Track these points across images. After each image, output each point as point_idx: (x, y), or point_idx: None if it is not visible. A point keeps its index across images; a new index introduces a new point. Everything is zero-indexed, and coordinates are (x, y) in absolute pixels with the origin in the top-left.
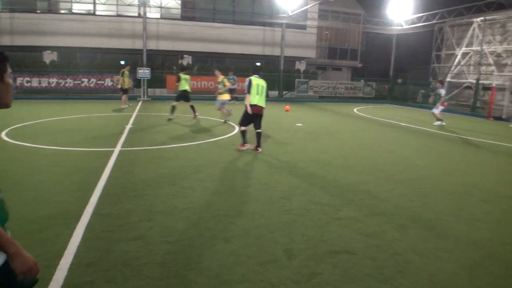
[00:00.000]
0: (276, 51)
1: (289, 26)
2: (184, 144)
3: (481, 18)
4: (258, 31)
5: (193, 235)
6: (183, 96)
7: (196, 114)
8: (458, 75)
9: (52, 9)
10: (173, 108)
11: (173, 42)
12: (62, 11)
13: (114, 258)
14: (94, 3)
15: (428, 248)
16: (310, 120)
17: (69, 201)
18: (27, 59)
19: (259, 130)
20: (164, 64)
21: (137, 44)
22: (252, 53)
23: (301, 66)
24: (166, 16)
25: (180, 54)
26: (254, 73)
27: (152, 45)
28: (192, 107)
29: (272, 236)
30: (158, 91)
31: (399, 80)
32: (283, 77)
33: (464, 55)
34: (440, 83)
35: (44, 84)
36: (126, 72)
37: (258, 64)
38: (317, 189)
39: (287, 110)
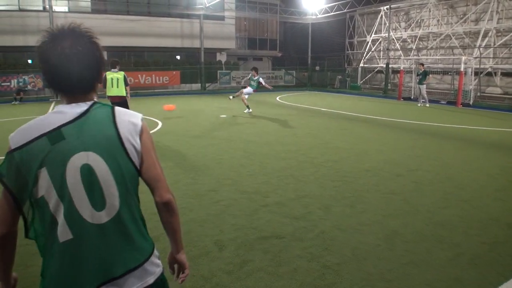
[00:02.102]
0: (196, 43)
1: (207, 17)
2: None
3: (387, 6)
4: (176, 23)
5: None
6: None
7: None
8: (370, 60)
9: None
10: None
11: None
12: None
13: (33, 273)
14: None
15: (350, 223)
16: (233, 111)
17: None
18: None
19: None
20: None
21: None
22: (170, 46)
23: (222, 58)
24: (75, 9)
25: None
26: (111, 67)
27: None
28: None
29: (202, 230)
30: None
31: (317, 68)
32: (204, 69)
33: (374, 41)
34: (255, 71)
35: None
36: None
37: (178, 57)
38: (244, 178)
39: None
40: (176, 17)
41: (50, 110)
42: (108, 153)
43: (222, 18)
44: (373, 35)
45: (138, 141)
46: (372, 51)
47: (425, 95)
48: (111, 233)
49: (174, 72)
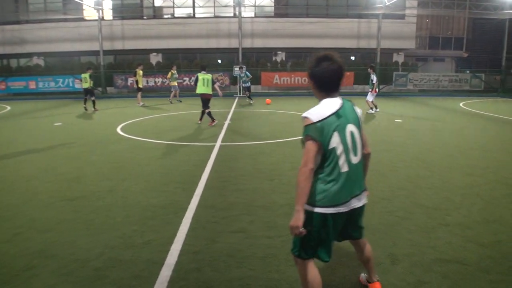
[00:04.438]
0: (372, 44)
1: (386, 16)
2: (280, 140)
3: None
4: (353, 23)
5: None
6: None
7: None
8: None
9: (157, 15)
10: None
11: (267, 39)
12: (165, 16)
13: (218, 249)
14: (194, 7)
15: None
16: (410, 116)
17: (176, 192)
18: (136, 61)
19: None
20: (258, 62)
21: (233, 43)
22: (346, 47)
23: (399, 58)
24: (260, 14)
25: (274, 51)
26: (201, 70)
27: (247, 43)
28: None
29: (374, 239)
30: (253, 88)
31: None
32: (380, 71)
33: None
34: (371, 69)
35: (151, 83)
36: (140, 72)
37: (353, 58)
38: (422, 190)
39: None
40: (354, 17)
41: (234, 104)
42: (357, 125)
43: (402, 16)
44: None
45: (362, 120)
46: None
47: None
48: (359, 169)
49: (348, 73)
